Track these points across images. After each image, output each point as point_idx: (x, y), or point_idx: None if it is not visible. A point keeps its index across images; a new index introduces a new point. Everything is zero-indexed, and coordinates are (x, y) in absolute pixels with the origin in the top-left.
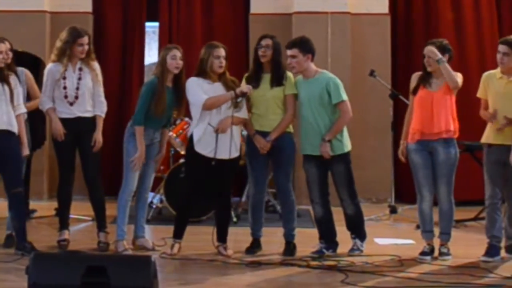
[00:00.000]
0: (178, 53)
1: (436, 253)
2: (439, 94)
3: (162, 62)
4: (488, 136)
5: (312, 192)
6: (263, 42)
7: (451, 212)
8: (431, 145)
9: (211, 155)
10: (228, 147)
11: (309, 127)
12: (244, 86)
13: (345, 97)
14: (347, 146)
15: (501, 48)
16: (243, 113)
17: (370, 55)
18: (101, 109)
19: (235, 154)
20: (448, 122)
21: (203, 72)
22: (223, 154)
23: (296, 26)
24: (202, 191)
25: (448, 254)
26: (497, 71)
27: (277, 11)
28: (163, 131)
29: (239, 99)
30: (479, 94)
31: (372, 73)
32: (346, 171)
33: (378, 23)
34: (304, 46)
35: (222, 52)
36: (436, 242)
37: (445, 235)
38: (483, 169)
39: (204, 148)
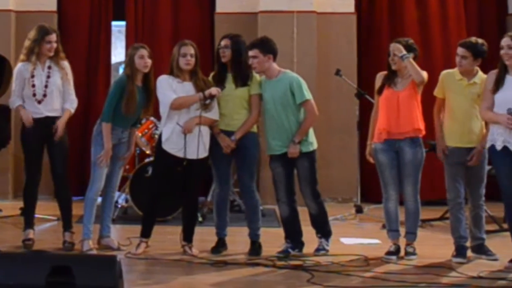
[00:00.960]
0: (145, 52)
1: (402, 252)
2: (404, 93)
3: (130, 62)
4: (448, 138)
5: (278, 191)
6: (222, 43)
7: (417, 212)
8: (398, 144)
9: (179, 154)
10: (196, 147)
11: (275, 127)
12: (213, 89)
13: (309, 96)
14: (313, 144)
15: (460, 51)
16: (213, 114)
17: (336, 54)
18: (72, 105)
19: (203, 154)
20: (414, 122)
21: (173, 70)
22: (191, 154)
23: (261, 25)
24: (169, 190)
25: (414, 253)
26: (456, 72)
27: (242, 10)
28: (132, 130)
29: (207, 101)
30: (436, 92)
31: (338, 72)
32: (311, 169)
33: (344, 22)
34: (264, 46)
35: (189, 49)
36: (402, 242)
37: (411, 235)
38: (445, 170)
39: (172, 147)
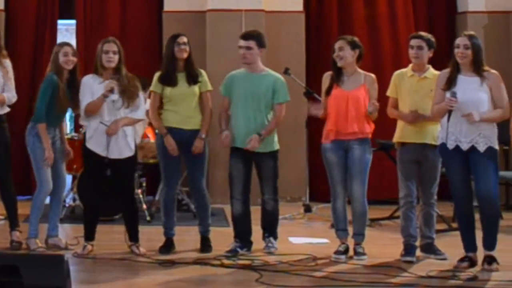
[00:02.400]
0: (69, 50)
1: (351, 252)
2: (354, 94)
3: (54, 59)
4: (401, 135)
5: (234, 188)
6: (180, 40)
7: (365, 213)
8: (346, 144)
9: (104, 153)
10: (120, 147)
11: (242, 122)
12: (107, 85)
13: (289, 98)
14: (277, 144)
15: (415, 42)
16: (139, 114)
17: (285, 53)
18: (10, 99)
19: (128, 153)
20: (363, 122)
21: (97, 68)
22: (115, 154)
23: (210, 23)
24: (105, 190)
25: (363, 254)
26: (407, 70)
27: (191, 8)
28: (61, 126)
29: (110, 98)
30: (389, 92)
31: (286, 71)
32: (274, 167)
33: (292, 20)
34: (261, 40)
35: (111, 47)
36: (351, 241)
37: (359, 236)
38: (397, 168)
39: (95, 146)
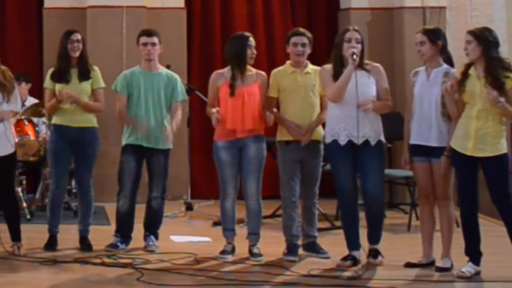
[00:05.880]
0: None
1: (242, 254)
2: (249, 90)
3: None
4: (285, 133)
5: (124, 184)
6: (74, 37)
7: (260, 211)
8: (242, 142)
9: None
10: (1, 143)
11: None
12: None
13: (186, 97)
14: (172, 142)
15: (300, 39)
16: (17, 106)
17: (166, 49)
18: None
19: (9, 150)
20: (258, 119)
21: None
22: None
23: (90, 20)
24: None
25: (260, 254)
26: (286, 67)
27: (71, 5)
28: None
29: None
30: (271, 93)
31: (168, 68)
32: (166, 164)
33: (173, 17)
34: (160, 36)
35: None
36: (236, 240)
37: (254, 236)
38: (280, 168)
39: None
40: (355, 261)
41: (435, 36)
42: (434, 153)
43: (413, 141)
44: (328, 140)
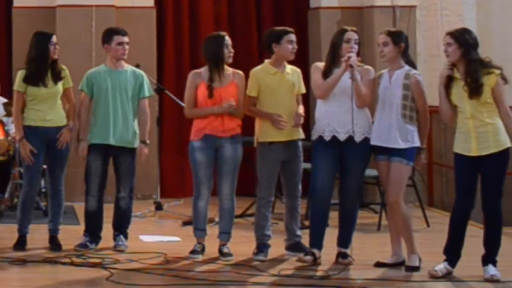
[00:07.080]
0: None
1: (212, 253)
2: (226, 90)
3: None
4: (267, 134)
5: (91, 184)
6: (54, 39)
7: (233, 211)
8: (218, 142)
9: None
10: None
11: (109, 118)
12: None
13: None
14: (138, 141)
15: (294, 37)
16: None
17: (136, 48)
18: None
19: None
20: (234, 119)
21: None
22: None
23: (60, 19)
24: None
25: (230, 254)
26: (267, 67)
27: (40, 4)
28: None
29: None
30: (251, 92)
31: (137, 67)
32: (132, 164)
33: (143, 16)
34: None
35: None
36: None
37: (226, 235)
38: (258, 167)
39: None
40: (314, 259)
41: (398, 38)
42: (393, 153)
43: (373, 142)
44: (314, 136)
